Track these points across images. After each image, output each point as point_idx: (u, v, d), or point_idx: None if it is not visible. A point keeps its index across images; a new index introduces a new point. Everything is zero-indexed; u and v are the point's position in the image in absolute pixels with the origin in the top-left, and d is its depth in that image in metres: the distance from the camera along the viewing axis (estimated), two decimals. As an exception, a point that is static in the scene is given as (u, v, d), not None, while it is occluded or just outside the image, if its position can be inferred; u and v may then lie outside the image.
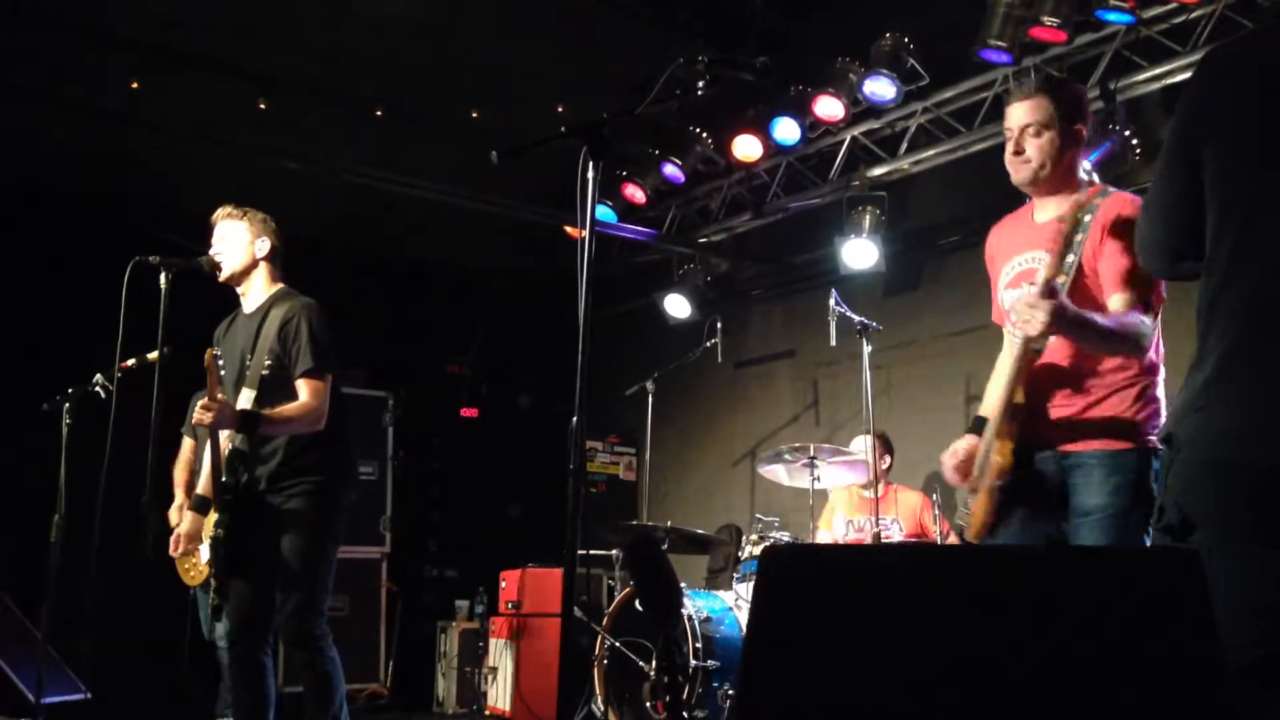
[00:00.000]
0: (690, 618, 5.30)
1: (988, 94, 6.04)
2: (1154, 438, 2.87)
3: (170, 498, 5.62)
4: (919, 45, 6.01)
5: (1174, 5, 5.18)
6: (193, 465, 5.54)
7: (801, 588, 1.64)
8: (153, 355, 4.41)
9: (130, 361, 4.60)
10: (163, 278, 3.96)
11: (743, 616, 5.49)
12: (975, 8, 5.48)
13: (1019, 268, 3.16)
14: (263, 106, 6.62)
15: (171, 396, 3.94)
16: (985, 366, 3.30)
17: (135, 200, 7.35)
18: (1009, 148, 3.11)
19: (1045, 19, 5.28)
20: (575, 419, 2.57)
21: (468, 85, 6.87)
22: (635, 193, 7.35)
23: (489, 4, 6.21)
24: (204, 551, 4.76)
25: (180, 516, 5.40)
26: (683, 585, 5.45)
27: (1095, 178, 4.54)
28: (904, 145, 6.53)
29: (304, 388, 3.97)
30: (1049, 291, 2.77)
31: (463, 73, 6.74)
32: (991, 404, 3.13)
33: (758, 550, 5.62)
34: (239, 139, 6.67)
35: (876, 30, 6.04)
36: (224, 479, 3.93)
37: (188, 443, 5.72)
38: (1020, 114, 3.08)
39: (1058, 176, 3.09)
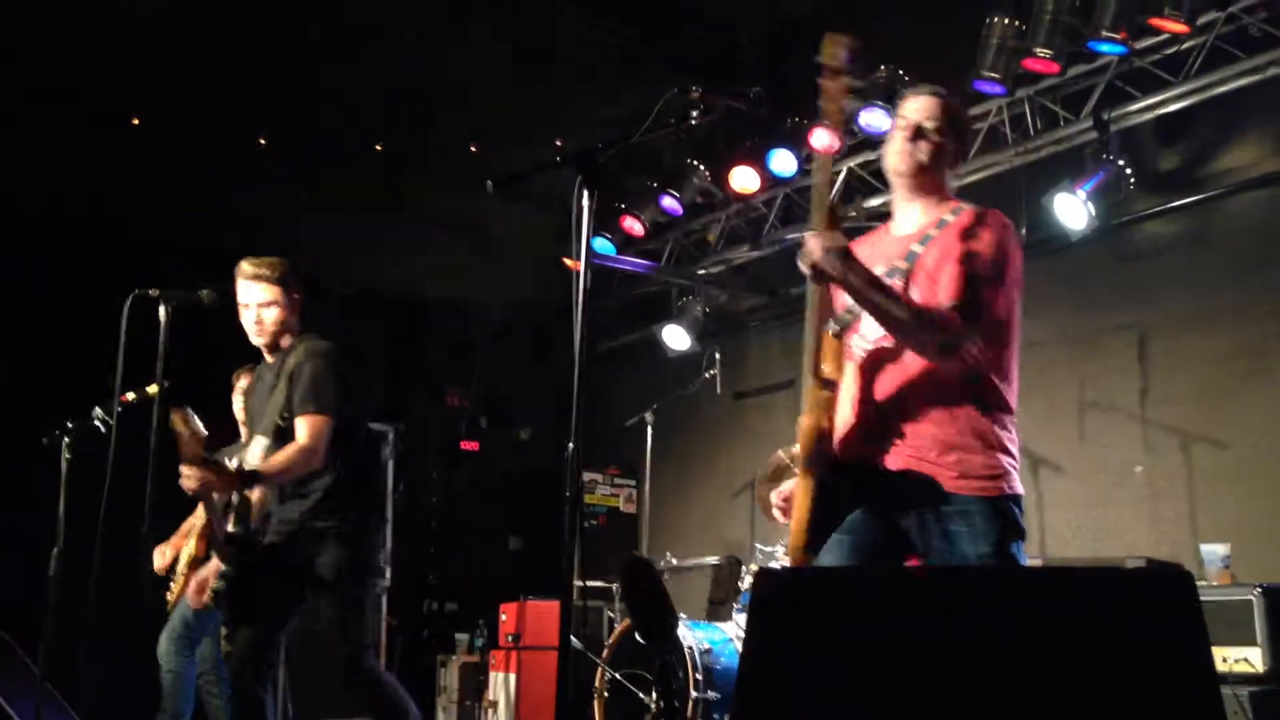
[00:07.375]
0: (691, 649, 5.26)
1: (982, 125, 6.08)
2: (1016, 480, 2.74)
3: (169, 533, 5.55)
4: (914, 77, 6.05)
5: (1166, 36, 5.23)
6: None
7: (794, 609, 1.64)
8: (152, 389, 4.41)
9: (130, 395, 4.60)
10: (162, 311, 3.96)
11: (743, 648, 5.46)
12: (969, 40, 5.53)
13: None
14: (263, 143, 6.67)
15: (171, 430, 3.94)
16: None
17: (135, 235, 7.39)
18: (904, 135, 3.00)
19: (1038, 50, 5.33)
20: (570, 446, 2.57)
21: (467, 121, 6.93)
22: (634, 225, 7.39)
23: (488, 41, 6.28)
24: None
25: (170, 553, 5.33)
26: (683, 616, 5.43)
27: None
28: (899, 176, 6.56)
29: (300, 426, 3.86)
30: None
31: (462, 108, 6.79)
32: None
33: (758, 581, 5.59)
34: (238, 175, 6.72)
35: (871, 63, 6.09)
36: (230, 529, 3.85)
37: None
38: (918, 108, 3.02)
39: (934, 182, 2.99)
